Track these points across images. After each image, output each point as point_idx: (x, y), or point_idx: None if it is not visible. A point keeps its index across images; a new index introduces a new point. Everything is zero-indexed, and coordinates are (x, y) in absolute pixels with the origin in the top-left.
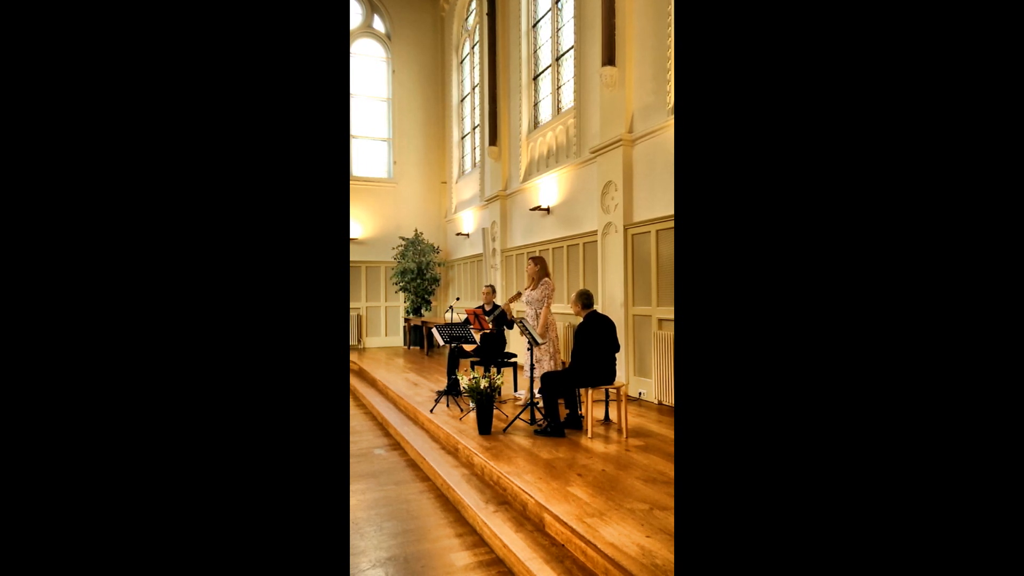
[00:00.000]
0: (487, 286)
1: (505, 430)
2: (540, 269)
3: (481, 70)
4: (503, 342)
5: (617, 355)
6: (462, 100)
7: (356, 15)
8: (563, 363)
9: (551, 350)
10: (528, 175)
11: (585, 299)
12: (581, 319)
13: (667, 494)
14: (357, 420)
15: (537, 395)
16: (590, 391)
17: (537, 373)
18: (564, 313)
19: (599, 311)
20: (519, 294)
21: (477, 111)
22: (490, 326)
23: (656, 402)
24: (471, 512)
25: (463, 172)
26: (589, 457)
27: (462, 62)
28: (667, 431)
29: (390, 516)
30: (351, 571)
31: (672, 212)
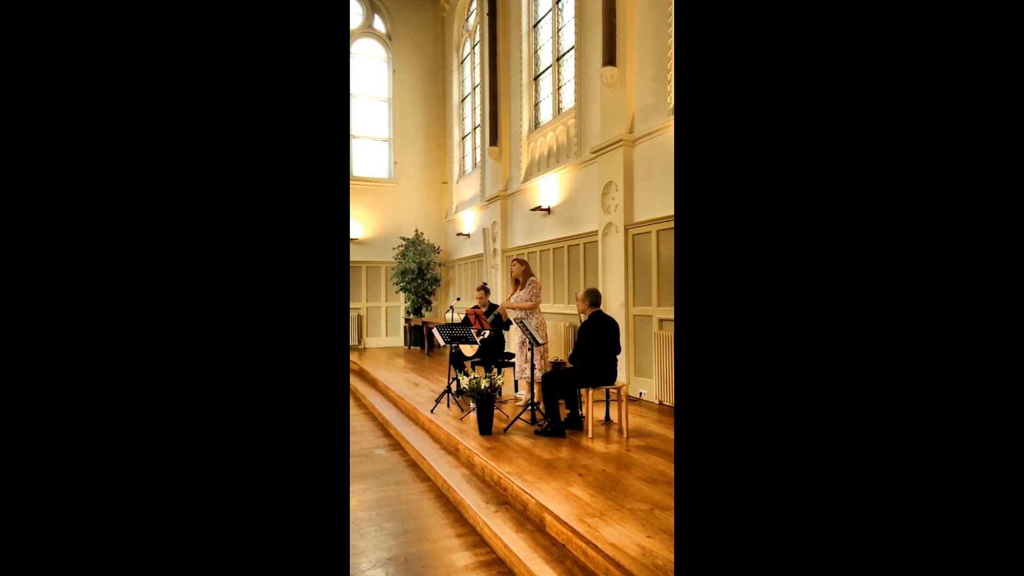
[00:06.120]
0: (479, 288)
1: (506, 430)
2: (526, 270)
3: (482, 70)
4: (502, 342)
5: (618, 356)
6: (463, 100)
7: (356, 15)
8: (559, 360)
9: (542, 350)
10: (529, 175)
11: (593, 297)
12: (585, 317)
13: (667, 494)
14: (357, 420)
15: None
16: (591, 391)
17: (525, 374)
18: (557, 313)
19: (603, 311)
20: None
21: (478, 111)
22: (489, 328)
23: (657, 402)
24: (472, 512)
25: (464, 172)
26: (590, 457)
27: (463, 62)
28: (667, 431)
29: (390, 516)
30: (352, 571)
31: (673, 212)
